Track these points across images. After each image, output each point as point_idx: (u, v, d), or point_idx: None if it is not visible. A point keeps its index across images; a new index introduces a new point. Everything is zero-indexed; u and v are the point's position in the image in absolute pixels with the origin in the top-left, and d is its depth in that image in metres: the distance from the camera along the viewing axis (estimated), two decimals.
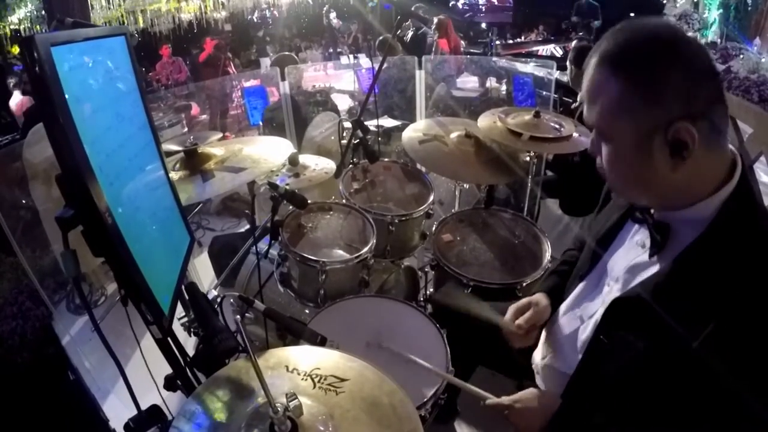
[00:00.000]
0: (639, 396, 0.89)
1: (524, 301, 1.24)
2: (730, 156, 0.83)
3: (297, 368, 0.94)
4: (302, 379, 0.92)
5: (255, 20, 11.67)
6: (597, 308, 1.02)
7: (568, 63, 3.27)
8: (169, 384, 1.10)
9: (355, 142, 2.04)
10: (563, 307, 1.17)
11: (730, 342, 0.76)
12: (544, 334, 1.22)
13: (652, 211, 0.92)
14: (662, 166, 0.79)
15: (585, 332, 1.04)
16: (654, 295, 0.86)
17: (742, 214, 0.81)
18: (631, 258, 0.96)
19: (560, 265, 1.33)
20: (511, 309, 1.24)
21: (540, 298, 1.23)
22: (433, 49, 6.51)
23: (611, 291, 1.00)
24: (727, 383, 0.76)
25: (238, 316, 0.95)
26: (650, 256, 0.91)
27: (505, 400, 1.10)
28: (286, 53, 5.01)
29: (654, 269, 0.90)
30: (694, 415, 0.83)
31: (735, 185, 0.81)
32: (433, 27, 6.65)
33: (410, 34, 6.08)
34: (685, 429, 0.85)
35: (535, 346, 1.26)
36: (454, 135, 2.13)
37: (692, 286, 0.82)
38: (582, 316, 1.07)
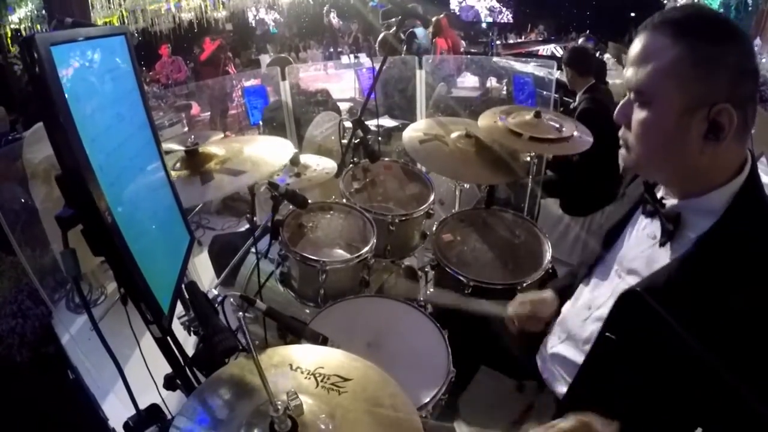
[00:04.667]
0: (648, 390, 0.89)
1: (530, 293, 1.29)
2: (746, 152, 0.86)
3: (300, 367, 0.94)
4: (305, 377, 0.92)
5: (255, 24, 11.68)
6: (605, 299, 1.03)
7: (563, 66, 3.27)
8: (169, 383, 1.09)
9: (356, 141, 2.04)
10: (575, 297, 1.18)
11: (740, 336, 0.77)
12: (557, 325, 1.23)
13: (663, 201, 0.93)
14: (694, 142, 0.81)
15: (592, 323, 1.05)
16: (665, 288, 0.86)
17: (752, 206, 0.83)
18: (641, 249, 0.97)
19: (578, 266, 1.33)
20: (517, 298, 1.29)
21: (548, 292, 1.26)
22: (428, 49, 6.51)
23: (621, 282, 1.00)
24: (736, 379, 0.76)
25: (241, 314, 0.95)
26: (661, 245, 0.91)
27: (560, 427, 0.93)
28: (282, 56, 5.00)
29: (665, 260, 0.90)
30: (702, 411, 0.83)
31: (745, 178, 0.84)
32: (430, 27, 6.66)
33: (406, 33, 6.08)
34: (694, 424, 0.85)
35: (536, 343, 1.26)
36: (454, 135, 2.13)
37: (706, 277, 0.82)
38: (591, 305, 1.08)
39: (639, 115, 0.85)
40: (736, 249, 0.81)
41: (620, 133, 0.91)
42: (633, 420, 0.91)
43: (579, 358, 1.06)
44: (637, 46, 0.84)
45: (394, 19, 6.92)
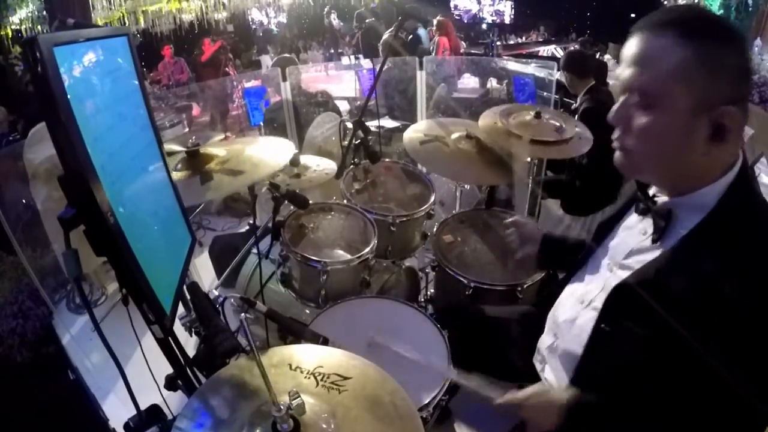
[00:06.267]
0: (643, 382, 0.90)
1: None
2: (738, 149, 0.86)
3: (300, 366, 0.95)
4: (305, 377, 0.92)
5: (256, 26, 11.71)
6: (597, 292, 1.04)
7: (561, 71, 3.27)
8: (170, 384, 1.10)
9: (356, 142, 2.04)
10: (566, 291, 1.19)
11: (726, 326, 0.77)
12: (549, 320, 1.23)
13: (655, 198, 0.95)
14: (699, 144, 0.81)
15: (585, 316, 1.05)
16: (655, 280, 0.87)
17: (741, 201, 0.84)
18: (633, 244, 0.98)
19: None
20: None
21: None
22: (433, 48, 6.55)
23: (612, 276, 1.01)
24: (725, 369, 0.76)
25: (243, 315, 0.95)
26: (653, 242, 0.93)
27: (514, 398, 1.06)
28: (287, 56, 5.02)
29: (655, 254, 0.91)
30: (695, 401, 0.83)
31: (735, 174, 0.85)
32: (434, 27, 6.73)
33: (409, 37, 6.12)
34: (688, 414, 0.85)
35: (535, 345, 1.26)
36: (455, 136, 2.13)
37: (692, 270, 0.83)
38: (583, 300, 1.09)
39: (642, 118, 0.83)
40: (722, 241, 0.82)
41: (615, 135, 0.90)
42: (637, 410, 0.91)
43: (576, 351, 1.06)
44: (636, 46, 0.83)
45: (368, 20, 7.03)
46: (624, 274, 0.97)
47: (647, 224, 0.97)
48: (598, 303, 1.01)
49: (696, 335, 0.79)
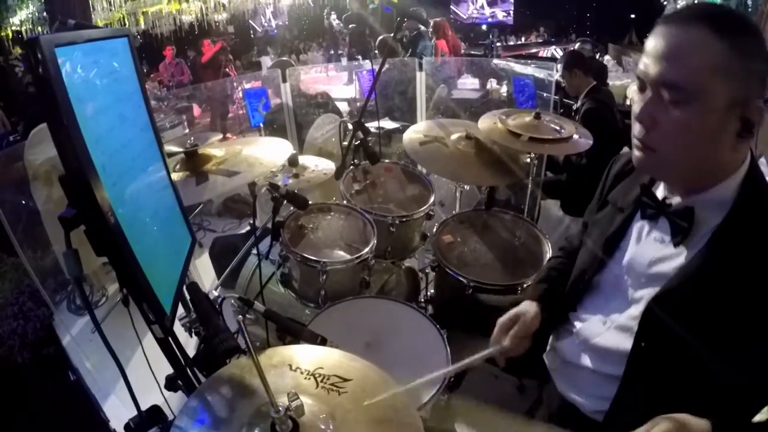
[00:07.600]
0: (694, 388, 0.88)
1: (510, 314, 1.16)
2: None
3: (300, 367, 0.94)
4: (305, 378, 0.92)
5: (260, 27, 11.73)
6: (623, 309, 1.00)
7: (565, 71, 3.27)
8: (171, 384, 1.10)
9: (356, 143, 2.04)
10: (579, 312, 1.12)
11: None
12: (553, 338, 1.20)
13: (667, 201, 0.93)
14: (729, 140, 0.81)
15: (613, 335, 1.01)
16: (695, 284, 0.85)
17: (759, 192, 0.85)
18: (653, 254, 0.95)
19: (548, 271, 1.29)
20: (497, 328, 1.15)
21: (527, 306, 1.16)
22: (431, 51, 6.55)
23: (639, 292, 0.97)
24: None
25: (240, 317, 0.95)
26: (675, 245, 0.90)
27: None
28: (284, 59, 5.04)
29: (681, 260, 0.89)
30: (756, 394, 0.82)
31: (747, 168, 0.85)
32: (430, 29, 6.73)
33: (406, 33, 6.12)
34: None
35: (537, 341, 1.24)
36: (454, 136, 2.14)
37: (729, 267, 0.82)
38: (606, 320, 1.04)
39: (676, 113, 0.80)
40: (754, 235, 0.81)
41: (638, 134, 0.86)
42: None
43: (612, 371, 1.01)
44: (666, 40, 0.79)
45: (353, 25, 7.02)
46: (651, 286, 0.93)
47: (662, 229, 0.93)
48: (627, 321, 0.97)
49: (742, 333, 0.80)
